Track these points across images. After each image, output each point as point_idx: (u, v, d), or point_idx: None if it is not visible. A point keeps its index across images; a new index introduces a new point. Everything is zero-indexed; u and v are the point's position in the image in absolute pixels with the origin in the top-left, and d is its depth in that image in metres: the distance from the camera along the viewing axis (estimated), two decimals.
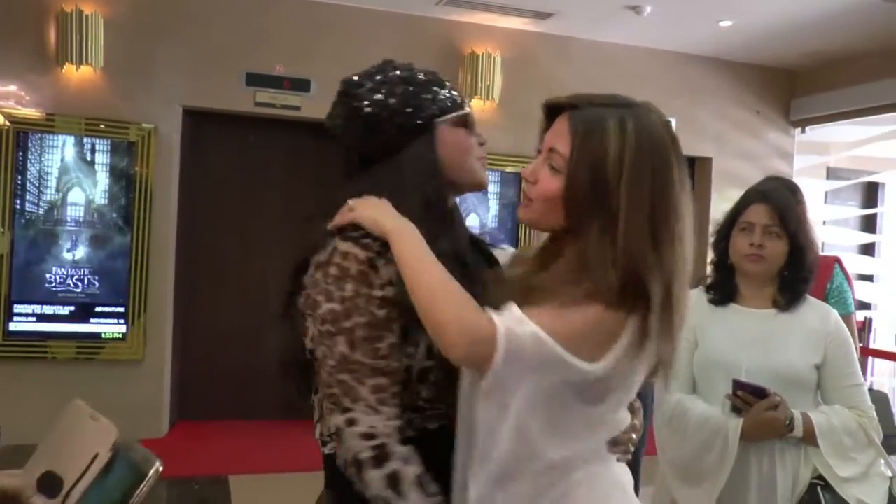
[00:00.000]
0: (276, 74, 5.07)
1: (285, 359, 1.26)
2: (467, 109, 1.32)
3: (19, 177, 4.67)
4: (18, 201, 4.68)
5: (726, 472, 1.88)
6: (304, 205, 4.85)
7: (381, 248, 1.16)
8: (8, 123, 4.64)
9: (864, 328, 6.20)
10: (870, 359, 5.98)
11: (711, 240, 2.13)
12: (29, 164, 4.69)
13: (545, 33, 5.66)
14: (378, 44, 5.14)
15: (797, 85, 6.40)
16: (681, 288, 1.14)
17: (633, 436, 1.27)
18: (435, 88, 1.29)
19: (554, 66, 5.71)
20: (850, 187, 6.96)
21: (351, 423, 1.12)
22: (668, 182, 1.14)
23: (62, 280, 4.76)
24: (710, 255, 2.13)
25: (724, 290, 2.07)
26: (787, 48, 5.79)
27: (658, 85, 5.60)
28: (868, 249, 6.97)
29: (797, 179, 6.18)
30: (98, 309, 4.83)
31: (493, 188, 5.66)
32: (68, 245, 4.77)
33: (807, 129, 6.45)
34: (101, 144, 4.82)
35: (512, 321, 1.06)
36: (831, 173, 6.82)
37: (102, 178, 4.83)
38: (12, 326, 4.69)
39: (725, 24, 5.29)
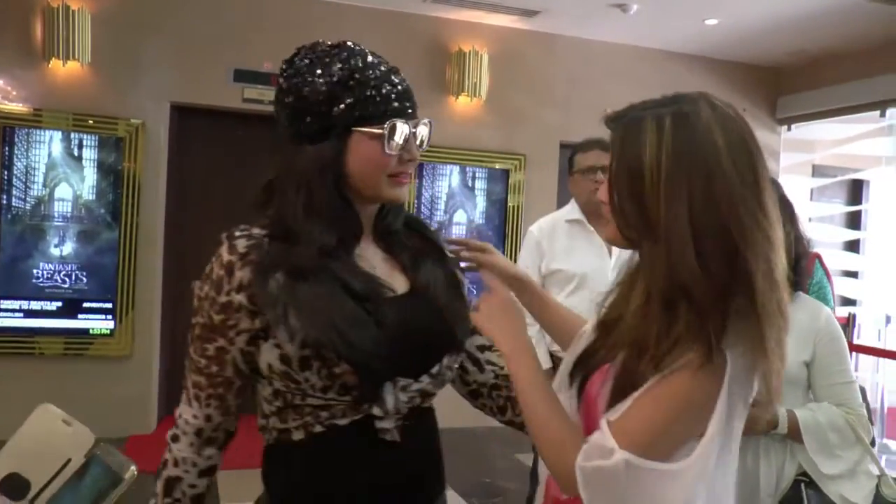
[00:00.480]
0: (263, 71, 5.07)
1: None
2: (397, 125, 1.18)
3: (6, 172, 4.66)
4: (5, 197, 4.67)
5: None
6: None
7: (248, 248, 1.15)
8: None
9: (849, 324, 6.27)
10: (853, 354, 6.04)
11: None
12: (15, 160, 4.68)
13: (532, 31, 5.68)
14: (366, 41, 5.06)
15: (783, 83, 6.45)
16: (768, 300, 1.00)
17: None
18: (374, 91, 1.18)
19: (541, 64, 5.74)
20: (836, 185, 7.01)
21: (181, 404, 1.23)
22: (714, 180, 1.00)
23: (49, 276, 4.76)
24: None
25: None
26: (772, 47, 5.83)
27: (644, 83, 5.61)
28: (853, 246, 7.03)
29: (783, 177, 6.32)
30: (86, 305, 4.84)
31: (480, 185, 5.68)
32: (56, 241, 4.77)
33: (792, 126, 6.51)
34: (89, 140, 4.82)
35: (598, 454, 1.00)
36: (817, 171, 6.87)
37: (90, 174, 4.83)
38: None
39: (711, 22, 5.33)
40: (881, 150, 6.18)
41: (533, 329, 1.47)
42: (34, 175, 4.73)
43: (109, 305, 4.86)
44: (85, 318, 4.83)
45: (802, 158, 6.71)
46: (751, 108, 6.35)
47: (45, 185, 4.75)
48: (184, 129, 5.21)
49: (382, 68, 1.21)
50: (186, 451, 1.21)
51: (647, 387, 1.01)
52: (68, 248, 4.79)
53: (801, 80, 6.30)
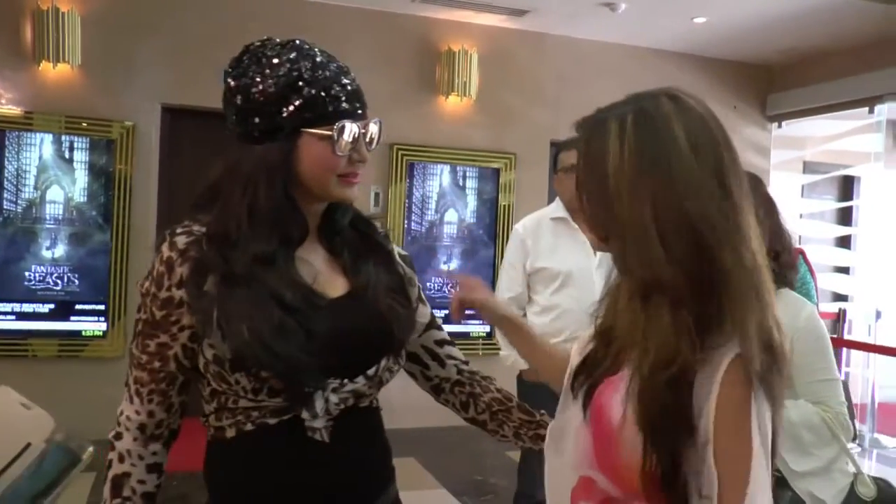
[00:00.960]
0: None
1: None
2: (346, 126, 1.17)
3: None
4: None
5: None
6: None
7: (188, 245, 1.16)
8: None
9: (839, 319, 6.30)
10: (844, 350, 6.07)
11: None
12: (6, 163, 4.70)
13: (521, 30, 5.70)
14: (355, 41, 5.18)
15: (773, 80, 6.48)
16: (742, 286, 0.99)
17: None
18: (323, 92, 1.16)
19: (530, 63, 5.76)
20: (826, 181, 7.04)
21: (122, 402, 1.23)
22: (674, 173, 0.99)
23: (41, 278, 4.77)
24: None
25: None
26: (762, 44, 5.85)
27: (634, 81, 5.56)
28: (844, 242, 7.06)
29: (774, 174, 6.34)
30: (78, 307, 4.85)
31: (471, 184, 5.70)
32: (47, 243, 4.78)
33: (783, 123, 6.52)
34: (80, 142, 4.83)
35: None
36: (807, 167, 6.90)
37: (81, 176, 4.85)
38: None
39: (700, 20, 5.35)
40: (871, 147, 6.19)
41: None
42: (25, 178, 4.74)
43: (102, 307, 4.88)
44: (77, 320, 4.85)
45: (793, 155, 6.73)
46: (741, 105, 6.37)
47: (36, 188, 4.76)
48: (175, 130, 5.22)
49: (332, 68, 1.19)
50: (131, 445, 1.20)
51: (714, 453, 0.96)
52: (60, 250, 4.81)
53: (790, 77, 6.32)
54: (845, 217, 7.14)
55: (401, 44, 5.45)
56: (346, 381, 1.20)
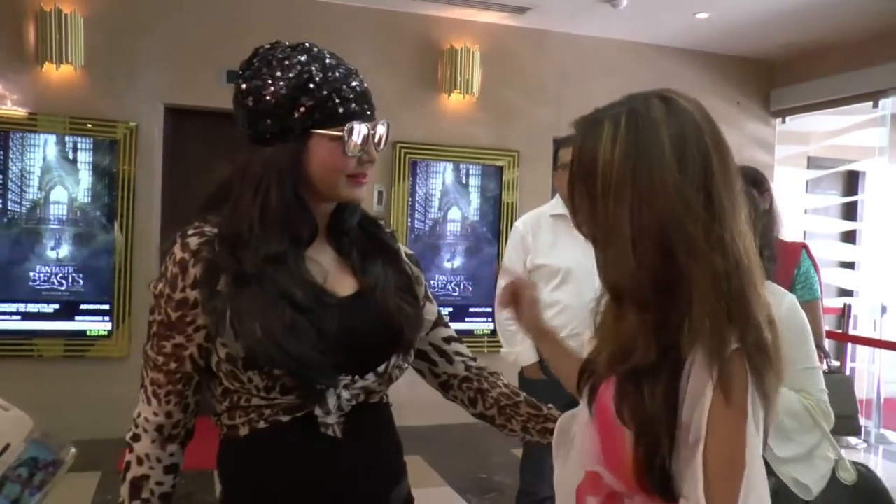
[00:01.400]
0: None
1: None
2: (355, 126, 1.19)
3: (1, 176, 4.70)
4: (1, 201, 4.70)
5: None
6: None
7: (200, 245, 1.18)
8: None
9: (844, 315, 6.28)
10: (849, 345, 6.06)
11: None
12: (11, 164, 4.71)
13: (523, 27, 5.70)
14: (357, 40, 5.18)
15: (776, 76, 6.46)
16: (711, 293, 0.98)
17: None
18: (333, 94, 1.18)
19: (532, 60, 5.76)
20: (831, 176, 7.02)
21: (139, 404, 1.24)
22: (655, 178, 0.99)
23: (46, 278, 4.79)
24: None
25: None
26: (764, 39, 5.84)
27: (636, 78, 5.61)
28: (849, 237, 7.04)
29: (778, 169, 6.33)
30: (83, 307, 4.87)
31: (474, 181, 5.70)
32: (52, 243, 4.80)
33: (787, 118, 6.51)
34: (84, 143, 4.84)
35: None
36: (812, 162, 6.88)
37: (85, 177, 4.86)
38: None
39: (702, 16, 5.34)
40: (875, 141, 6.17)
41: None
42: (30, 178, 4.76)
43: (106, 307, 4.89)
44: (82, 320, 4.87)
45: (797, 150, 6.71)
46: (744, 101, 6.36)
47: (40, 189, 4.78)
48: (178, 130, 5.23)
49: (341, 70, 1.21)
50: (149, 448, 1.22)
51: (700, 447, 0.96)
52: (64, 250, 4.82)
53: (793, 72, 6.30)
54: (850, 212, 7.12)
55: (403, 42, 5.45)
56: (356, 377, 1.22)
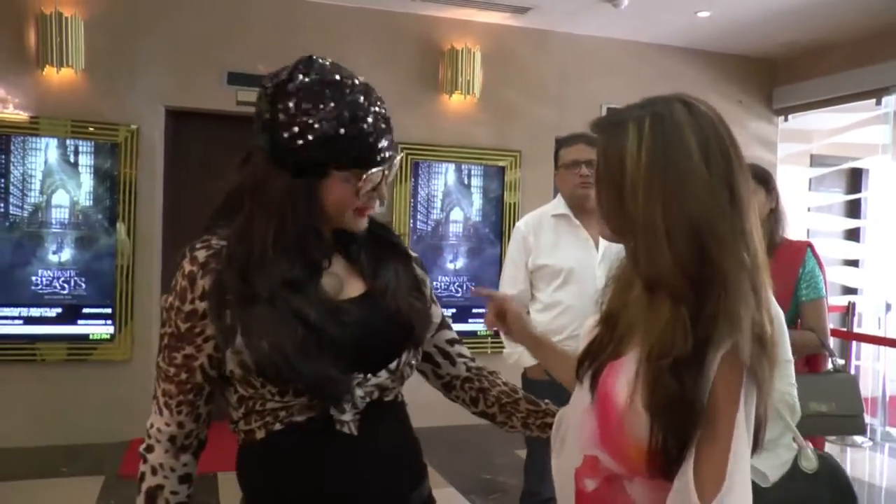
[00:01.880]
0: (257, 73, 5.07)
1: None
2: (373, 173, 1.21)
3: (2, 180, 4.70)
4: (2, 205, 4.70)
5: None
6: None
7: (208, 258, 1.19)
8: None
9: (848, 312, 6.25)
10: (854, 343, 6.04)
11: None
12: (12, 167, 4.71)
13: (523, 27, 5.69)
14: (357, 41, 5.18)
15: (778, 74, 6.45)
16: (739, 283, 1.04)
17: None
18: (361, 143, 1.19)
19: (533, 60, 5.75)
20: (834, 174, 7.00)
21: (151, 415, 1.26)
22: (685, 178, 1.05)
23: (48, 282, 4.79)
24: None
25: None
26: (765, 38, 5.83)
27: (637, 77, 5.64)
28: (853, 235, 7.02)
29: (781, 167, 6.31)
30: (85, 310, 4.86)
31: (476, 182, 5.69)
32: (54, 247, 4.80)
33: (789, 117, 6.50)
34: (85, 146, 4.84)
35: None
36: (815, 160, 6.87)
37: (86, 180, 4.86)
38: None
39: (703, 14, 5.33)
40: (878, 139, 6.16)
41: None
42: (31, 182, 4.76)
43: (108, 311, 4.89)
44: (84, 324, 4.86)
45: (800, 148, 6.70)
46: (747, 99, 6.35)
47: (42, 192, 4.78)
48: (179, 132, 5.23)
49: (374, 112, 1.20)
50: (163, 458, 1.24)
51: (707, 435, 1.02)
52: (66, 254, 4.82)
53: (796, 70, 6.29)
54: (853, 210, 7.10)
55: (403, 43, 5.45)
56: (369, 375, 1.23)
